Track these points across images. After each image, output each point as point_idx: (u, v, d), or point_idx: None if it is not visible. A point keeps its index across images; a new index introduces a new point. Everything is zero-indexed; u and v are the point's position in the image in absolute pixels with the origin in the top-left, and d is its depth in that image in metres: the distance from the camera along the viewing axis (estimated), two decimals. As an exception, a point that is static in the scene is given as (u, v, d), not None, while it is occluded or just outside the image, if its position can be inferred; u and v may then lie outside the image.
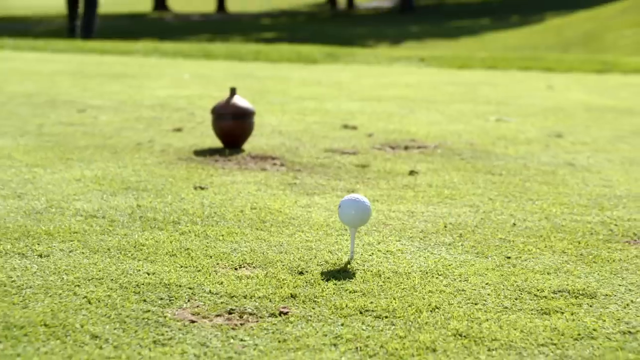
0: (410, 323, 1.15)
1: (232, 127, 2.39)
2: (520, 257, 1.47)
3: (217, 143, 2.42)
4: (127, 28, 28.91)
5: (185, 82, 4.28)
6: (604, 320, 1.18)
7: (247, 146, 2.41)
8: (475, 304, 1.23)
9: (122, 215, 1.65)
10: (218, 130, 2.41)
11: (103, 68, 4.98)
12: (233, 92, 2.44)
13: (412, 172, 2.14)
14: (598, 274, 1.38)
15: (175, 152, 2.33)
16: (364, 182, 2.04)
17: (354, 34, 22.27)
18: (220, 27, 26.16)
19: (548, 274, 1.38)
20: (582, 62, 6.16)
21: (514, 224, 1.69)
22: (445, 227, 1.65)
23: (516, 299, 1.26)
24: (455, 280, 1.34)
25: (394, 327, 1.13)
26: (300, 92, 3.90)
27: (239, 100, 2.42)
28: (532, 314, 1.20)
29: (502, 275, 1.37)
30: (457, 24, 26.62)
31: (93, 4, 8.27)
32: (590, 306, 1.23)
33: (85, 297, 1.20)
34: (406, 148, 2.48)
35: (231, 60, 6.42)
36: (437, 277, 1.35)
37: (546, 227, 1.66)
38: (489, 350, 1.07)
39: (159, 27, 29.70)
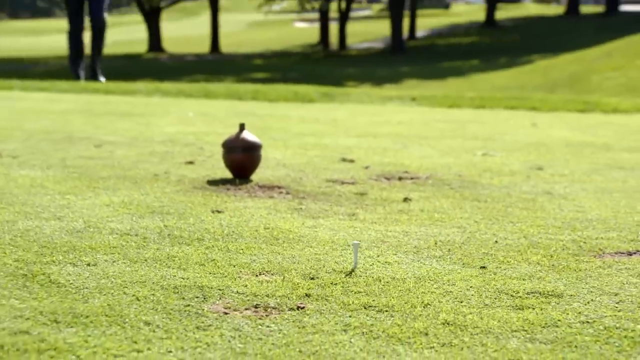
0: (406, 315, 1.38)
1: (242, 160, 2.63)
2: (500, 267, 1.71)
3: (227, 174, 2.66)
4: (125, 68, 29.29)
5: (190, 120, 4.52)
6: (568, 314, 1.41)
7: (255, 177, 2.64)
8: (461, 302, 1.46)
9: (152, 233, 1.87)
10: (229, 162, 2.65)
11: (110, 107, 5.21)
12: (242, 127, 2.68)
13: (406, 199, 2.38)
14: (566, 280, 1.62)
15: (190, 182, 2.56)
16: (362, 208, 2.27)
17: (346, 74, 22.71)
18: (215, 67, 26.61)
19: (523, 279, 1.61)
20: (565, 101, 6.46)
21: (496, 242, 1.92)
22: (435, 243, 1.89)
23: (495, 299, 1.49)
24: (444, 284, 1.57)
25: (392, 318, 1.36)
26: (300, 129, 4.15)
27: (248, 135, 2.67)
28: (508, 309, 1.43)
29: (484, 280, 1.60)
30: (447, 65, 27.13)
31: (99, 46, 8.28)
32: (557, 303, 1.46)
33: (134, 295, 1.42)
34: (400, 179, 2.73)
35: (230, 100, 6.69)
36: (428, 282, 1.58)
37: (524, 244, 1.90)
38: (471, 335, 1.30)
39: (156, 67, 30.12)
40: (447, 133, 4.20)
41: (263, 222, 2.03)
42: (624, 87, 13.63)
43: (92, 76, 7.94)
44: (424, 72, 23.04)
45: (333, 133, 4.06)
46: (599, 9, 54.40)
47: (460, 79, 20.37)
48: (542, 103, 6.41)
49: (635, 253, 1.83)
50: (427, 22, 54.40)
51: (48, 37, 74.06)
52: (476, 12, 61.54)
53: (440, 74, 22.41)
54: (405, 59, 31.65)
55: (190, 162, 2.93)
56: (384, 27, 44.26)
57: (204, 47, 44.90)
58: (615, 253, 1.83)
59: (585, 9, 56.77)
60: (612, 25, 37.31)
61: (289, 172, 2.79)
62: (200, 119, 4.58)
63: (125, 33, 70.36)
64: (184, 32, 53.55)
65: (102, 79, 8.09)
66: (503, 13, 57.74)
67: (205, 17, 58.59)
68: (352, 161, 3.06)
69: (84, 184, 2.44)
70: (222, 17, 46.97)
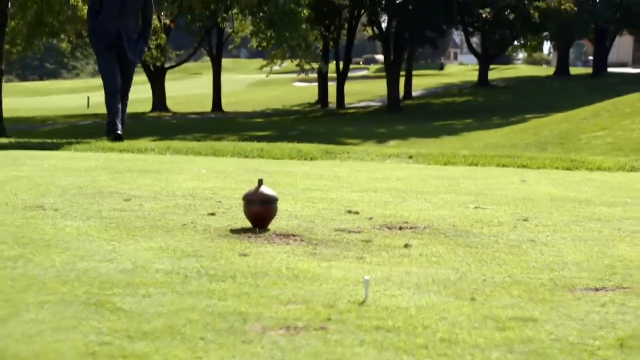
0: (410, 334, 1.70)
1: (261, 211, 2.97)
2: (487, 299, 2.03)
3: (247, 224, 2.99)
4: (131, 128, 29.70)
5: (204, 177, 4.87)
6: (541, 333, 1.73)
7: (272, 226, 2.98)
8: (454, 325, 1.79)
9: (191, 272, 2.20)
10: (249, 213, 2.99)
11: (128, 164, 5.57)
12: (260, 183, 3.03)
13: (406, 246, 2.71)
14: (541, 309, 1.94)
15: (215, 231, 2.90)
16: (369, 253, 2.60)
17: (345, 132, 23.25)
18: (218, 126, 27.16)
19: (506, 308, 1.94)
20: (553, 160, 6.83)
21: (484, 280, 2.25)
22: (433, 281, 2.21)
23: (482, 322, 1.81)
24: (440, 312, 1.89)
25: (399, 336, 1.68)
26: (307, 185, 4.50)
27: (266, 189, 3.01)
28: (492, 330, 1.75)
29: (473, 309, 1.93)
30: (442, 123, 27.73)
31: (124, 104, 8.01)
32: (533, 326, 1.79)
33: (187, 318, 1.74)
34: (401, 228, 3.06)
35: (238, 157, 7.06)
36: (427, 310, 1.90)
37: (508, 282, 2.23)
38: (462, 348, 1.62)
39: (161, 126, 30.68)
40: (442, 189, 4.54)
41: (284, 263, 2.36)
42: (611, 146, 14.10)
43: (116, 136, 7.80)
44: (420, 131, 23.60)
45: (337, 188, 4.40)
46: (588, 70, 55.60)
47: (455, 137, 20.90)
48: (531, 161, 6.79)
49: (601, 289, 2.16)
50: (423, 82, 55.50)
51: (55, 97, 75.21)
52: (470, 73, 62.85)
53: (436, 132, 22.96)
54: (402, 118, 32.37)
55: (212, 214, 3.26)
56: (381, 87, 45.21)
57: (207, 106, 45.71)
58: (585, 289, 2.16)
59: (575, 70, 58.04)
60: (600, 86, 38.25)
61: (301, 222, 3.13)
62: (214, 176, 4.93)
63: (130, 93, 70.78)
64: (186, 92, 54.58)
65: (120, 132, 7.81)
66: (496, 74, 59.00)
67: (208, 77, 59.68)
68: (357, 213, 3.39)
69: (123, 232, 2.77)
70: (224, 77, 47.93)
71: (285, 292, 2.03)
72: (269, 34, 22.38)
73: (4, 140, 8.29)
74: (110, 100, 7.84)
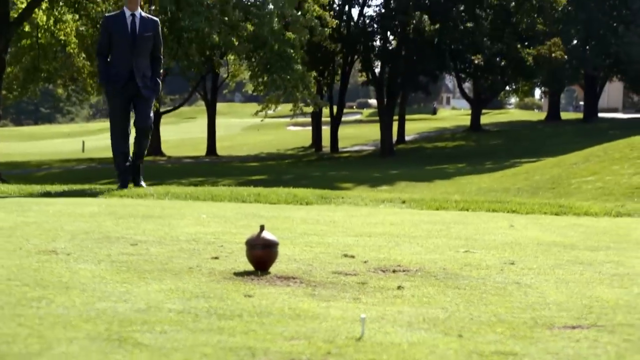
0: (402, 365, 1.88)
1: (262, 255, 3.16)
2: (473, 336, 2.22)
3: (249, 267, 3.18)
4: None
5: (205, 221, 5.06)
6: (520, 365, 1.92)
7: (272, 269, 3.17)
8: (442, 358, 1.97)
9: (201, 312, 2.38)
10: (251, 257, 3.18)
11: (129, 210, 5.75)
12: (262, 228, 3.23)
13: (399, 287, 2.90)
14: (521, 344, 2.13)
15: (220, 273, 3.08)
16: (364, 294, 2.79)
17: (339, 176, 23.47)
18: (213, 170, 27.38)
19: (489, 344, 2.13)
20: (541, 205, 7.05)
21: (471, 319, 2.44)
22: (423, 319, 2.40)
23: (468, 356, 2.00)
24: (430, 347, 2.08)
25: (392, 367, 1.87)
26: (303, 229, 4.69)
27: (267, 234, 3.21)
28: (476, 362, 1.94)
29: (460, 344, 2.12)
30: (434, 167, 28.04)
31: (143, 150, 7.84)
32: (514, 359, 1.97)
33: (202, 352, 1.93)
34: (394, 271, 3.25)
35: (235, 202, 7.25)
36: (418, 345, 2.09)
37: (493, 320, 2.42)
38: (449, 378, 1.81)
39: (156, 170, 30.85)
40: (433, 233, 4.75)
41: (286, 303, 2.54)
42: (601, 190, 14.35)
43: (134, 182, 7.66)
44: (413, 175, 23.87)
45: (333, 232, 4.59)
46: (579, 115, 56.35)
47: (447, 181, 21.15)
48: (520, 206, 7.00)
49: (577, 327, 2.35)
50: (416, 126, 56.07)
51: (50, 141, 75.31)
52: (462, 117, 63.53)
53: (429, 176, 23.22)
54: (395, 162, 32.69)
55: (216, 258, 3.45)
56: (374, 131, 45.70)
57: (201, 150, 45.99)
58: (562, 327, 2.35)
59: (566, 115, 58.82)
60: (591, 131, 38.78)
61: (300, 265, 3.32)
62: (214, 221, 5.12)
63: (121, 136, 70.81)
64: (180, 136, 54.95)
65: (144, 183, 7.82)
66: (488, 118, 59.69)
67: (202, 121, 60.24)
68: (352, 257, 3.59)
69: (134, 275, 2.95)
70: (218, 121, 48.37)
71: (288, 329, 2.21)
72: (265, 78, 22.79)
73: (6, 187, 8.46)
74: (116, 152, 7.73)
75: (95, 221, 4.72)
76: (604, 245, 4.30)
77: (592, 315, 2.51)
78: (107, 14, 8.08)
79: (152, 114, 7.66)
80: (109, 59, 7.42)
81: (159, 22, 7.76)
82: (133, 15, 7.32)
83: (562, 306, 2.65)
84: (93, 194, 7.41)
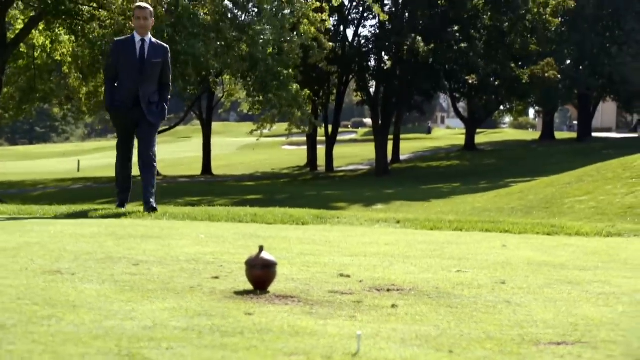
0: (395, 379, 2.00)
1: (261, 275, 3.28)
2: (463, 351, 2.34)
3: (248, 286, 3.29)
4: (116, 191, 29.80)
5: (204, 242, 5.17)
6: (507, 379, 2.04)
7: (271, 289, 3.28)
8: (434, 372, 2.09)
9: (204, 329, 2.50)
10: (250, 277, 3.29)
11: (129, 230, 5.85)
12: (261, 249, 3.35)
13: (393, 306, 3.02)
14: (508, 359, 2.25)
15: (221, 292, 3.19)
16: (360, 312, 2.91)
17: (334, 196, 23.57)
18: (208, 189, 27.43)
19: (479, 359, 2.24)
20: (534, 225, 7.19)
21: (462, 335, 2.56)
22: (416, 336, 2.52)
23: (458, 371, 2.12)
24: (422, 362, 2.20)
25: (386, 381, 1.98)
26: (300, 249, 4.80)
27: (266, 255, 3.33)
28: (466, 376, 2.06)
29: (450, 359, 2.23)
30: (429, 187, 28.16)
31: (153, 176, 7.69)
32: (501, 374, 2.09)
33: (206, 367, 2.04)
34: (388, 290, 3.37)
35: (232, 222, 7.36)
36: (411, 361, 2.20)
37: (482, 337, 2.54)
38: (440, 391, 1.93)
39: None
40: (427, 253, 4.87)
41: (285, 321, 2.66)
42: (594, 210, 14.49)
43: (149, 208, 7.47)
44: (408, 194, 23.99)
45: (329, 253, 4.71)
46: (573, 135, 56.68)
47: (442, 201, 21.27)
48: (513, 226, 7.13)
49: (562, 343, 2.47)
50: (410, 145, 56.26)
51: (45, 161, 75.23)
52: (457, 137, 63.76)
53: (423, 196, 23.34)
54: (390, 181, 32.83)
55: (216, 277, 3.56)
56: (369, 150, 45.90)
57: (196, 169, 46.07)
58: (548, 343, 2.47)
59: (560, 134, 59.14)
60: (585, 151, 39.04)
61: (298, 285, 3.44)
62: (212, 241, 5.23)
63: (117, 155, 70.77)
64: (176, 155, 55.06)
65: (155, 204, 7.64)
66: (482, 137, 59.98)
67: (197, 140, 60.42)
68: (348, 276, 3.70)
69: (137, 294, 3.06)
70: (213, 140, 48.51)
71: (288, 345, 2.32)
72: (260, 97, 22.97)
73: (5, 207, 8.56)
74: (119, 172, 7.78)
75: (96, 242, 4.83)
76: (592, 265, 4.43)
77: (577, 332, 2.63)
78: (116, 39, 7.94)
79: (156, 142, 7.57)
80: (116, 84, 7.38)
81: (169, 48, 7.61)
82: (143, 40, 7.24)
83: (548, 324, 2.77)
84: (93, 215, 7.50)
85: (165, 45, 7.57)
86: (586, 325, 2.74)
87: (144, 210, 7.45)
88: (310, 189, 27.63)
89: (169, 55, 7.46)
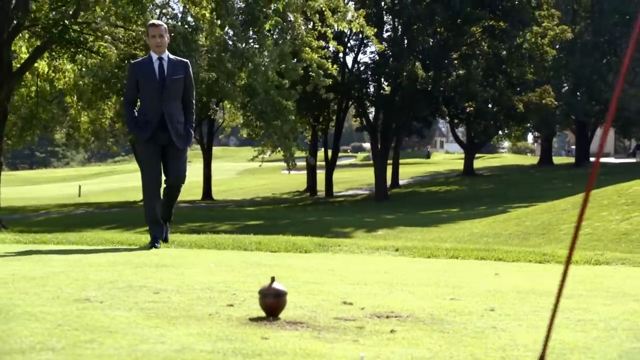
0: (393, 394, 2.35)
1: (273, 303, 3.63)
2: (452, 371, 2.69)
3: (261, 313, 3.65)
4: (119, 217, 30.46)
5: (214, 270, 5.52)
6: (488, 394, 2.39)
7: (282, 315, 3.63)
8: (426, 389, 2.45)
9: (227, 352, 2.85)
10: (263, 305, 3.65)
11: (143, 259, 6.21)
12: (273, 279, 3.71)
13: (392, 331, 3.37)
14: (491, 378, 2.61)
15: (237, 319, 3.55)
16: (362, 336, 3.26)
17: (335, 222, 23.88)
18: (210, 215, 27.76)
19: (465, 378, 2.60)
20: (526, 253, 7.55)
21: (451, 357, 2.91)
22: (412, 358, 2.87)
23: (447, 387, 2.47)
24: (416, 380, 2.55)
25: (386, 396, 2.34)
26: (305, 278, 5.16)
27: (277, 285, 3.69)
28: (453, 392, 2.41)
29: (441, 378, 2.59)
30: (428, 212, 28.48)
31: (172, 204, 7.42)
32: (484, 390, 2.45)
33: (233, 384, 2.39)
34: (387, 317, 3.72)
35: (238, 250, 7.72)
36: (407, 379, 2.56)
37: (469, 358, 2.89)
38: (431, 404, 2.28)
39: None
40: (424, 281, 5.22)
41: (297, 345, 3.01)
42: (589, 236, 14.85)
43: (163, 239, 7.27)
44: (407, 220, 24.32)
45: (332, 281, 5.06)
46: (571, 160, 57.12)
47: (440, 227, 21.61)
48: (506, 254, 7.50)
49: (540, 363, 2.82)
50: (410, 170, 56.64)
51: (46, 185, 75.43)
52: (456, 161, 64.10)
53: (422, 221, 23.67)
54: (390, 207, 33.17)
55: (231, 305, 3.92)
56: (368, 175, 46.31)
57: (197, 194, 46.35)
58: (527, 363, 2.82)
59: (558, 159, 59.58)
60: (582, 176, 39.42)
61: (305, 312, 3.79)
62: (222, 270, 5.58)
63: (118, 181, 71.93)
64: (176, 179, 55.21)
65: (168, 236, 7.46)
66: (481, 162, 60.34)
67: (197, 165, 60.55)
68: (351, 304, 4.06)
69: (163, 321, 3.42)
70: (213, 165, 48.89)
71: (301, 366, 2.68)
72: (258, 124, 23.39)
73: (22, 236, 8.91)
74: (148, 203, 7.25)
75: (115, 270, 5.18)
76: (577, 294, 4.78)
77: (553, 354, 2.98)
78: (133, 61, 7.51)
79: (186, 168, 7.22)
80: (137, 107, 7.08)
81: (189, 63, 7.12)
82: (160, 58, 6.91)
83: (528, 347, 3.12)
84: (104, 243, 7.85)
85: (185, 60, 7.14)
86: (561, 349, 3.09)
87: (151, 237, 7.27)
88: (310, 215, 27.97)
89: (191, 70, 7.12)
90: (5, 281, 4.46)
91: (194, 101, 7.18)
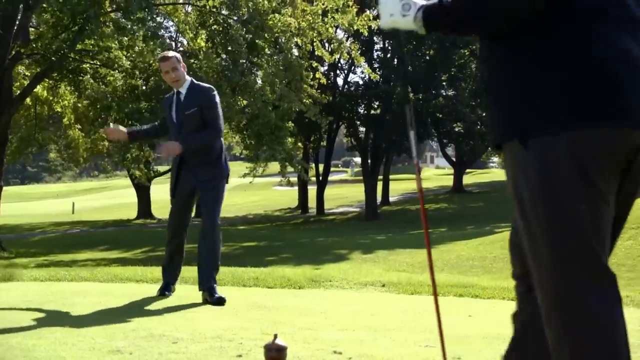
0: None
1: (276, 357, 4.37)
2: (419, 420, 3.44)
3: (265, 364, 4.38)
4: (114, 236, 31.01)
5: (219, 315, 6.24)
6: None
7: (283, 366, 4.37)
8: None
9: (240, 404, 3.58)
10: (268, 358, 4.38)
11: (154, 303, 6.91)
12: (275, 336, 4.45)
13: (374, 381, 4.11)
14: None
15: (245, 370, 4.28)
16: (349, 387, 4.00)
17: (326, 244, 24.58)
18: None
19: None
20: (502, 289, 8.31)
21: (420, 407, 3.66)
22: (388, 408, 3.62)
23: None
24: None
25: None
26: (300, 323, 5.88)
27: (279, 341, 4.42)
28: None
29: None
30: (417, 232, 29.21)
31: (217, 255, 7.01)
32: None
33: None
34: (371, 366, 4.47)
35: (237, 286, 8.46)
36: None
37: (434, 408, 3.64)
38: None
39: (148, 235, 31.63)
40: (404, 324, 5.96)
41: (296, 396, 3.75)
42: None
43: (215, 299, 6.63)
44: (397, 241, 25.07)
45: (325, 326, 5.79)
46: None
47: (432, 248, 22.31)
48: (483, 291, 8.26)
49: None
50: (400, 186, 57.40)
51: (39, 202, 75.35)
52: (445, 177, 64.90)
53: (412, 243, 24.41)
54: (380, 226, 33.94)
55: (239, 356, 4.65)
56: (358, 192, 47.09)
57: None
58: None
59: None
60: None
61: (302, 361, 4.53)
62: (227, 313, 6.30)
63: (111, 197, 72.18)
64: (169, 196, 55.68)
65: (219, 292, 6.80)
66: (471, 178, 61.20)
67: (189, 182, 60.31)
68: (340, 353, 4.79)
69: (185, 372, 4.14)
70: (206, 183, 49.33)
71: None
72: (253, 142, 24.13)
73: (37, 272, 9.58)
74: (168, 242, 7.18)
75: (134, 317, 5.90)
76: (536, 337, 5.53)
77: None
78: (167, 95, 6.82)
79: (217, 211, 6.72)
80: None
81: (212, 89, 6.49)
82: (178, 92, 6.48)
83: (484, 396, 3.87)
84: (114, 279, 8.56)
85: (205, 86, 6.56)
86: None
87: (202, 293, 6.70)
88: (302, 235, 28.70)
89: (212, 96, 6.42)
90: (42, 332, 5.17)
91: (216, 127, 6.37)
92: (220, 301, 6.57)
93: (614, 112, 2.20)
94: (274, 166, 33.17)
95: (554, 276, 2.24)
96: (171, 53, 6.52)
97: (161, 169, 44.82)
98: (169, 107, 6.61)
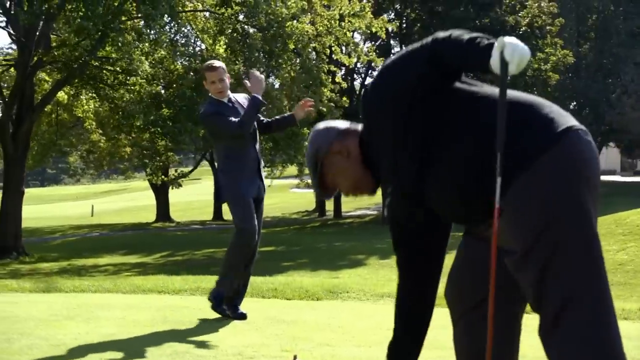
0: None
1: (295, 376, 4.55)
2: None
3: (285, 383, 4.57)
4: (134, 240, 31.37)
5: (241, 331, 6.42)
6: None
7: (302, 385, 4.55)
8: None
9: None
10: (287, 377, 4.57)
11: (177, 315, 7.12)
12: (295, 357, 4.63)
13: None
14: None
15: (266, 389, 4.47)
16: (365, 408, 4.18)
17: (344, 249, 24.72)
18: (221, 239, 28.61)
19: None
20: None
21: None
22: None
23: None
24: None
25: None
26: (319, 339, 6.05)
27: (298, 360, 4.61)
28: None
29: None
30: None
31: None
32: None
33: None
34: (386, 386, 4.63)
35: (256, 297, 8.64)
36: None
37: None
38: None
39: (167, 239, 31.94)
40: (420, 342, 6.12)
41: (315, 418, 3.93)
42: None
43: (237, 314, 6.85)
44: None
45: (342, 342, 5.95)
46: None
47: (444, 257, 22.46)
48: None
49: None
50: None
51: (59, 204, 76.02)
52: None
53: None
54: (396, 230, 33.89)
55: (261, 375, 4.83)
56: (376, 194, 47.03)
57: (208, 213, 47.20)
58: None
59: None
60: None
61: (320, 381, 4.71)
62: (246, 328, 6.48)
63: (130, 200, 72.78)
64: (187, 198, 56.26)
65: (242, 309, 6.99)
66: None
67: (207, 183, 61.42)
68: (357, 372, 4.97)
69: (208, 392, 4.33)
70: (223, 185, 49.58)
71: None
72: (269, 147, 24.36)
73: (62, 283, 9.83)
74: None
75: (158, 333, 6.11)
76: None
77: None
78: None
79: (260, 226, 6.84)
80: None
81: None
82: (228, 100, 6.32)
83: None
84: (135, 290, 8.77)
85: (243, 94, 6.50)
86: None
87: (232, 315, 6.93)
88: (320, 240, 28.86)
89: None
90: (72, 349, 5.39)
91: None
92: (242, 315, 6.82)
93: None
94: (292, 168, 33.39)
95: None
96: (217, 63, 6.29)
97: (185, 169, 45.15)
98: (232, 111, 6.25)
